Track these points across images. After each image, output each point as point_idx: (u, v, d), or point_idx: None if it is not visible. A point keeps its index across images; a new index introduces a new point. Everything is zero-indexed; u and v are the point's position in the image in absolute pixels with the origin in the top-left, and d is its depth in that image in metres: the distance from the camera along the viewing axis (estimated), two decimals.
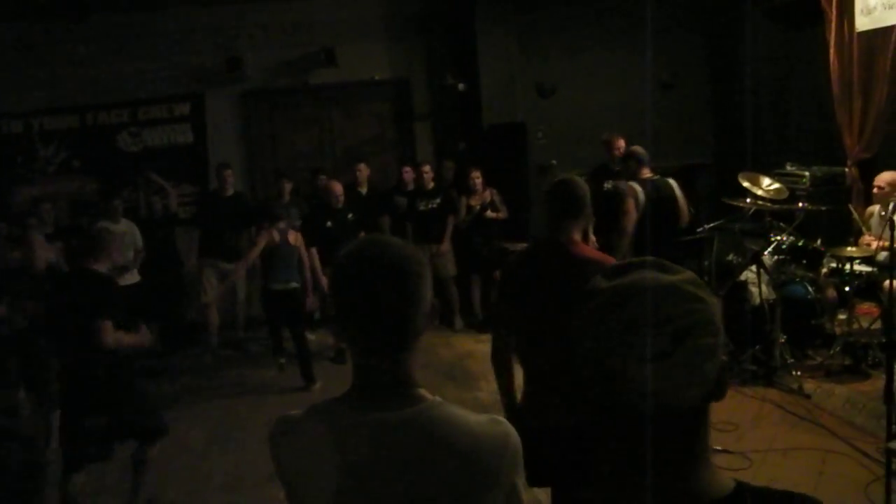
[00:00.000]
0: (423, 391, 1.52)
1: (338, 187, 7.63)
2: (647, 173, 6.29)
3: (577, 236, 3.18)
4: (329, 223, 7.52)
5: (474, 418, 1.50)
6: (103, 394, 4.35)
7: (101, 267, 4.46)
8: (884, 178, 6.03)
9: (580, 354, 1.11)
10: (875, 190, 6.16)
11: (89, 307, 4.24)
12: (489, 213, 8.32)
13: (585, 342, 1.09)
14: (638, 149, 6.49)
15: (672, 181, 6.37)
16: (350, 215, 7.61)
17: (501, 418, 1.55)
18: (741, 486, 1.09)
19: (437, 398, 1.51)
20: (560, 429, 2.92)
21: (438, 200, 8.40)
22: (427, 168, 8.52)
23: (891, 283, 4.64)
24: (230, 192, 8.23)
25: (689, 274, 1.10)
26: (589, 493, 1.16)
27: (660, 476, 1.07)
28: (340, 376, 7.00)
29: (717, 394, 1.08)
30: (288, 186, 8.29)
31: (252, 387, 7.13)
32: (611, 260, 3.14)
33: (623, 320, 1.05)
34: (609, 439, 1.12)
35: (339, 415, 1.49)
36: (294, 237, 7.11)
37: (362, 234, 6.86)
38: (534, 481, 3.02)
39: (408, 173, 8.58)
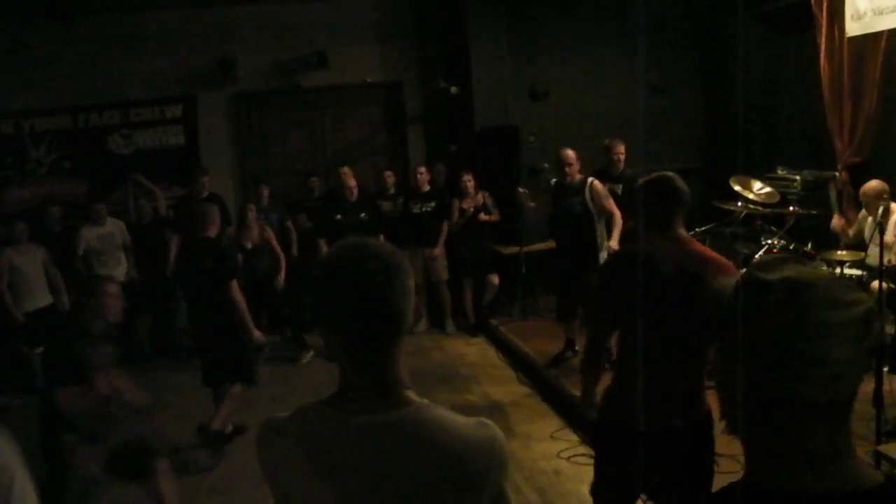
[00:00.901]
0: (410, 394, 1.51)
1: (351, 181, 7.67)
2: None
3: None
4: (339, 216, 7.55)
5: (462, 420, 1.50)
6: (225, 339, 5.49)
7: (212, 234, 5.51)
8: (866, 190, 6.06)
9: (755, 346, 1.11)
10: (862, 201, 6.21)
11: (218, 270, 5.31)
12: (482, 216, 8.33)
13: (766, 333, 1.10)
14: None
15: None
16: (363, 214, 7.66)
17: (488, 421, 1.54)
18: (891, 479, 1.11)
19: (425, 401, 1.51)
20: (669, 430, 2.89)
21: (433, 204, 8.40)
22: (422, 170, 8.53)
23: (880, 286, 4.66)
24: (205, 195, 8.21)
25: (825, 268, 1.15)
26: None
27: (816, 460, 1.09)
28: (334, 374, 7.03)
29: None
30: (266, 191, 8.29)
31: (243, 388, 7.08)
32: (724, 259, 3.12)
33: (810, 306, 1.08)
34: (765, 423, 1.13)
35: (326, 417, 1.49)
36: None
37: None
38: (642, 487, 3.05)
39: (389, 177, 8.61)
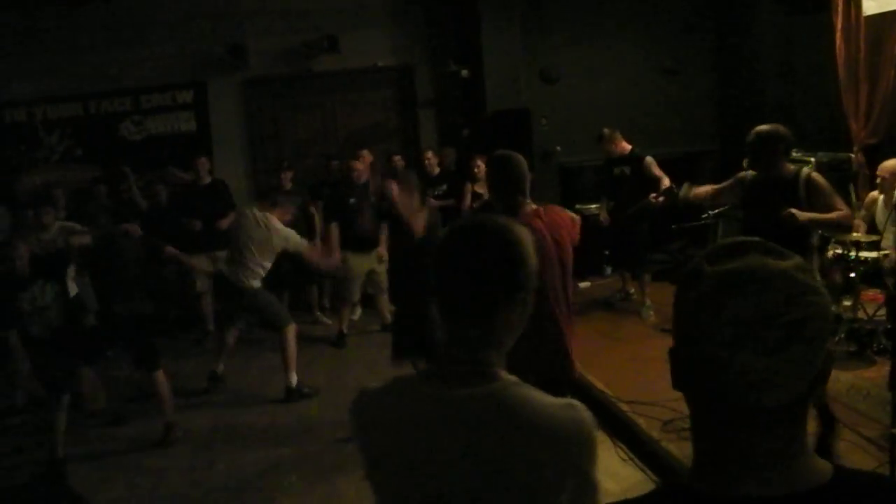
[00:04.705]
0: (500, 371, 1.54)
1: (359, 164, 7.66)
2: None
3: None
4: (352, 199, 7.56)
5: (549, 400, 1.50)
6: None
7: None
8: (886, 167, 5.99)
9: (679, 342, 1.08)
10: (878, 179, 6.14)
11: None
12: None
13: (687, 330, 1.05)
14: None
15: None
16: (374, 198, 7.68)
17: (578, 403, 1.53)
18: (840, 472, 1.07)
19: (513, 378, 1.53)
20: None
21: (444, 187, 8.37)
22: (430, 155, 8.50)
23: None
24: (207, 180, 8.22)
25: (798, 259, 1.05)
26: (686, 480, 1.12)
27: (760, 464, 1.04)
28: (342, 361, 7.04)
29: (822, 381, 1.05)
30: (289, 175, 8.28)
31: (257, 373, 7.12)
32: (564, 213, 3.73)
33: (733, 310, 1.00)
34: (708, 429, 1.08)
35: (419, 388, 1.54)
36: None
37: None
38: None
39: (398, 161, 8.59)
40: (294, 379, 6.36)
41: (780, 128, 4.53)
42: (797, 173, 4.51)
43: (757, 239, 1.09)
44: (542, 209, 3.57)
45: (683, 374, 1.08)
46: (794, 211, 4.37)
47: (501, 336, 1.55)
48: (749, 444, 1.04)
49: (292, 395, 6.33)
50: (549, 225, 3.54)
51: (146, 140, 9.31)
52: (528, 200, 3.54)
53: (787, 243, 1.11)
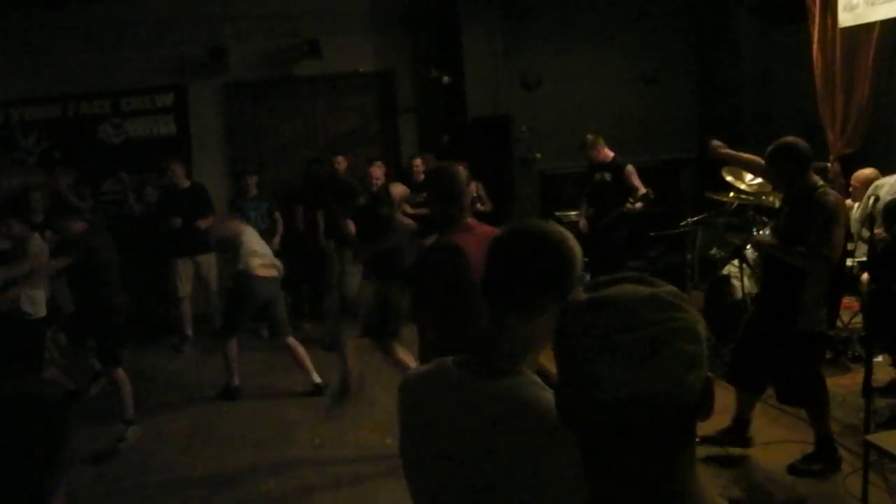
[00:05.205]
0: (524, 369, 1.61)
1: (376, 171, 7.74)
2: None
3: None
4: (363, 200, 7.61)
5: None
6: None
7: None
8: (857, 176, 6.08)
9: (557, 363, 1.09)
10: (850, 188, 6.23)
11: None
12: (477, 207, 8.29)
13: (563, 351, 1.07)
14: None
15: None
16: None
17: None
18: None
19: (534, 376, 1.61)
20: None
21: (426, 194, 8.34)
22: (419, 162, 8.46)
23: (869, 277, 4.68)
24: (185, 184, 8.20)
25: (669, 287, 1.08)
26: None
27: (648, 489, 1.04)
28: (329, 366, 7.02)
29: (702, 410, 1.05)
30: (253, 180, 8.27)
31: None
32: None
33: (601, 326, 1.02)
34: (590, 451, 1.09)
35: (450, 376, 1.64)
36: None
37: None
38: None
39: (378, 168, 8.56)
40: (317, 377, 6.48)
41: (788, 143, 4.28)
42: (815, 188, 4.20)
43: (634, 273, 1.11)
44: (478, 225, 3.41)
45: (566, 408, 1.08)
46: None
47: (535, 336, 1.62)
48: (630, 470, 1.04)
49: (319, 390, 6.40)
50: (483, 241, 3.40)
51: (125, 143, 9.23)
52: (466, 214, 3.38)
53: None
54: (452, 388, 1.62)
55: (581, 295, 1.09)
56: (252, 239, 6.59)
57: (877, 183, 5.82)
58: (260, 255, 6.52)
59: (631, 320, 1.01)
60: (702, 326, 1.06)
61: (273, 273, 6.55)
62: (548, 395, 1.55)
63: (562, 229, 1.67)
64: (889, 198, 5.30)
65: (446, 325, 3.19)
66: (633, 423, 1.01)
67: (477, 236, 3.18)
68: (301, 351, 6.54)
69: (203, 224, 7.97)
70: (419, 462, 1.67)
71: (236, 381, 6.62)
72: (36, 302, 5.94)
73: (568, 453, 1.49)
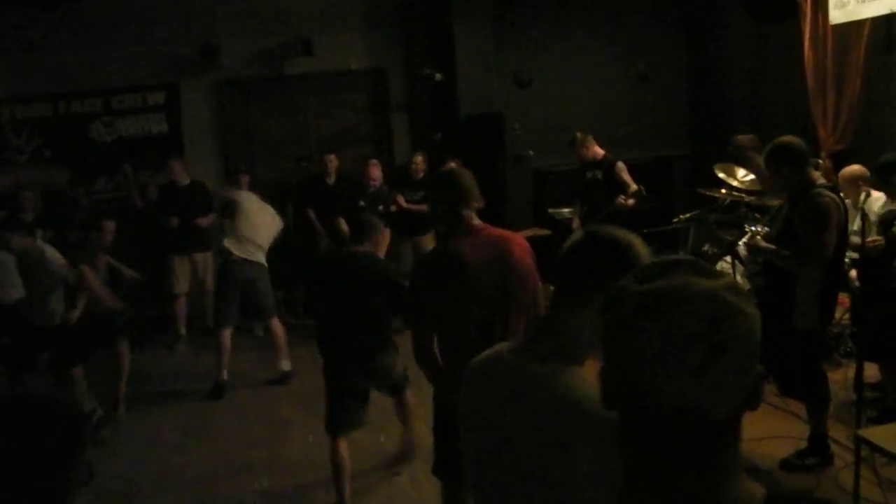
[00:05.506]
0: (570, 358, 1.70)
1: (374, 171, 7.73)
2: None
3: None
4: (362, 202, 7.67)
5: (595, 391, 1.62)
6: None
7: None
8: (843, 174, 6.08)
9: (607, 363, 1.06)
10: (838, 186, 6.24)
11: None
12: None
13: (612, 351, 1.04)
14: None
15: None
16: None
17: None
18: (771, 500, 1.05)
19: (576, 366, 1.69)
20: None
21: (423, 192, 8.32)
22: (419, 159, 8.43)
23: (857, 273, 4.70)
24: (185, 181, 8.20)
25: (728, 279, 1.03)
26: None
27: (689, 488, 1.02)
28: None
29: (752, 404, 1.02)
30: (245, 179, 8.26)
31: (229, 375, 7.04)
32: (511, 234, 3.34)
33: (657, 331, 0.98)
34: (636, 447, 1.06)
35: (506, 361, 1.75)
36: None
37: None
38: None
39: (375, 167, 8.54)
40: (287, 364, 6.72)
41: (783, 143, 4.27)
42: (811, 187, 4.21)
43: (690, 258, 1.07)
44: (485, 228, 3.27)
45: (612, 394, 1.07)
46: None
47: (587, 326, 1.67)
48: (674, 466, 1.02)
49: (286, 378, 6.68)
50: (486, 247, 3.22)
51: (117, 141, 9.20)
52: (472, 214, 3.27)
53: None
54: (504, 371, 1.73)
55: (633, 286, 1.04)
56: (251, 210, 6.88)
57: (871, 199, 5.81)
58: (243, 238, 6.68)
59: (688, 324, 0.97)
60: (759, 327, 1.02)
61: (255, 258, 6.69)
62: (583, 384, 1.62)
63: (631, 236, 1.74)
64: (882, 211, 5.32)
65: (443, 329, 3.22)
66: (678, 428, 0.99)
67: (480, 242, 3.15)
68: (281, 337, 6.71)
69: (203, 222, 8.02)
70: (479, 447, 1.77)
71: (224, 375, 6.64)
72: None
73: (607, 447, 1.52)
